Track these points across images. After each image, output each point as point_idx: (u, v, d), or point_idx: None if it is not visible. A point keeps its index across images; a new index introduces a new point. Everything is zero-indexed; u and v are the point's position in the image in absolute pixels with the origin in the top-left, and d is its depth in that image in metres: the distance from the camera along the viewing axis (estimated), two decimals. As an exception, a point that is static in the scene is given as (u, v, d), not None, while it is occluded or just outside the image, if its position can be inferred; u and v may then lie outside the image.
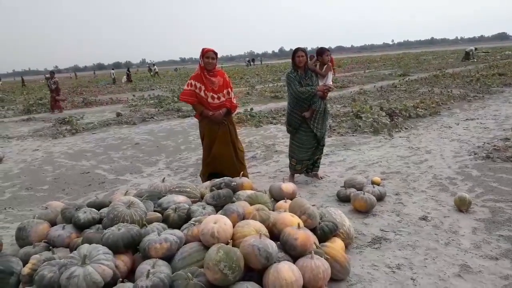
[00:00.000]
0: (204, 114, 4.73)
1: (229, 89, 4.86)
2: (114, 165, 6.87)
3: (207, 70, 4.69)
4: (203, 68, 4.69)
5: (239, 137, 5.26)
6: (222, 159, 4.85)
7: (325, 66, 5.10)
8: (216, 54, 4.69)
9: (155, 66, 47.42)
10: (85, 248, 2.59)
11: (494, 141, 6.63)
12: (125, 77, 36.03)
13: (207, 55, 4.62)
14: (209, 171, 4.92)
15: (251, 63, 66.74)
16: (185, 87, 4.79)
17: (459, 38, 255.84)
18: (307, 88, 4.84)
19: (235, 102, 4.96)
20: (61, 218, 3.48)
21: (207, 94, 4.68)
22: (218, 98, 4.73)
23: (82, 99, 19.66)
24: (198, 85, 4.69)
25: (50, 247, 3.04)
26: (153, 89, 24.99)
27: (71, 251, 2.93)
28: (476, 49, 36.33)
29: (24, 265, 2.81)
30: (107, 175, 6.29)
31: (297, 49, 4.91)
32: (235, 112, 5.39)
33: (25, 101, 20.44)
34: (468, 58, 32.60)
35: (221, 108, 4.73)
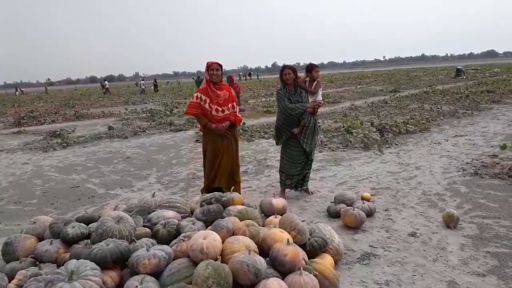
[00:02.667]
0: (207, 126, 4.78)
1: (234, 103, 4.93)
2: (105, 179, 6.83)
3: (213, 83, 4.77)
4: (209, 81, 4.78)
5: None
6: (223, 173, 4.86)
7: (315, 83, 5.16)
8: (220, 66, 4.78)
9: (105, 82, 44.14)
10: (72, 263, 2.56)
11: (483, 157, 6.72)
12: (152, 87, 40.09)
13: (212, 67, 4.71)
14: (211, 185, 4.90)
15: (247, 77, 68.01)
16: (192, 99, 4.86)
17: (449, 55, 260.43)
18: (297, 105, 4.89)
19: (240, 116, 5.02)
20: (49, 233, 3.45)
21: (211, 106, 4.74)
22: (223, 111, 4.78)
23: (74, 112, 19.59)
24: (203, 97, 4.76)
25: (37, 263, 3.01)
26: (146, 103, 25.01)
27: (58, 266, 2.90)
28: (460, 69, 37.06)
29: (10, 281, 2.77)
30: (97, 189, 6.25)
31: (284, 67, 4.98)
32: (239, 126, 5.45)
33: (15, 114, 20.30)
34: (459, 75, 33.61)
35: (225, 122, 4.78)
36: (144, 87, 39.65)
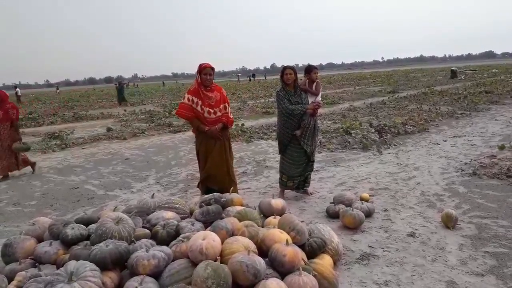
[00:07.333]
0: (200, 129, 4.74)
1: (226, 104, 4.89)
2: (104, 181, 6.83)
3: (204, 85, 4.72)
4: (200, 84, 4.71)
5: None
6: (216, 174, 4.85)
7: (315, 84, 5.17)
8: (213, 69, 4.73)
9: (17, 89, 36.63)
10: (72, 264, 2.56)
11: (481, 158, 6.74)
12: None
13: (205, 71, 4.65)
14: (205, 186, 4.91)
15: (251, 78, 68.46)
16: (183, 100, 4.80)
17: (447, 56, 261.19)
18: (297, 106, 4.90)
19: (231, 116, 4.97)
20: (48, 234, 3.45)
21: (203, 109, 4.69)
22: (215, 113, 4.74)
23: (73, 114, 19.58)
24: (195, 100, 4.70)
25: (37, 264, 3.01)
26: (145, 104, 25.02)
27: (58, 268, 2.90)
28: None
29: (9, 282, 2.77)
30: (96, 190, 6.25)
31: (285, 67, 4.96)
32: (232, 127, 5.41)
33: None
34: (455, 76, 33.62)
35: (217, 123, 4.76)
36: None
